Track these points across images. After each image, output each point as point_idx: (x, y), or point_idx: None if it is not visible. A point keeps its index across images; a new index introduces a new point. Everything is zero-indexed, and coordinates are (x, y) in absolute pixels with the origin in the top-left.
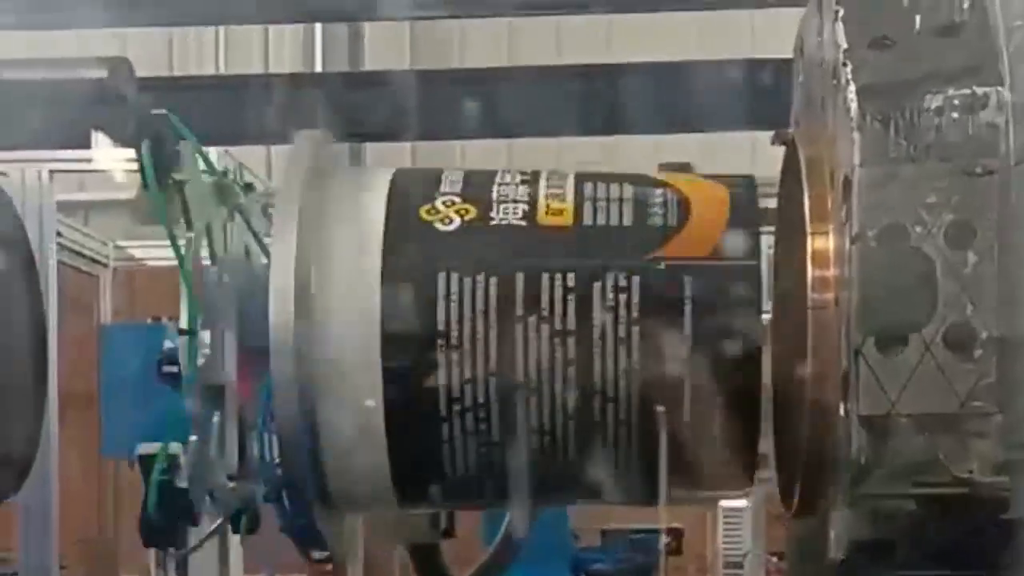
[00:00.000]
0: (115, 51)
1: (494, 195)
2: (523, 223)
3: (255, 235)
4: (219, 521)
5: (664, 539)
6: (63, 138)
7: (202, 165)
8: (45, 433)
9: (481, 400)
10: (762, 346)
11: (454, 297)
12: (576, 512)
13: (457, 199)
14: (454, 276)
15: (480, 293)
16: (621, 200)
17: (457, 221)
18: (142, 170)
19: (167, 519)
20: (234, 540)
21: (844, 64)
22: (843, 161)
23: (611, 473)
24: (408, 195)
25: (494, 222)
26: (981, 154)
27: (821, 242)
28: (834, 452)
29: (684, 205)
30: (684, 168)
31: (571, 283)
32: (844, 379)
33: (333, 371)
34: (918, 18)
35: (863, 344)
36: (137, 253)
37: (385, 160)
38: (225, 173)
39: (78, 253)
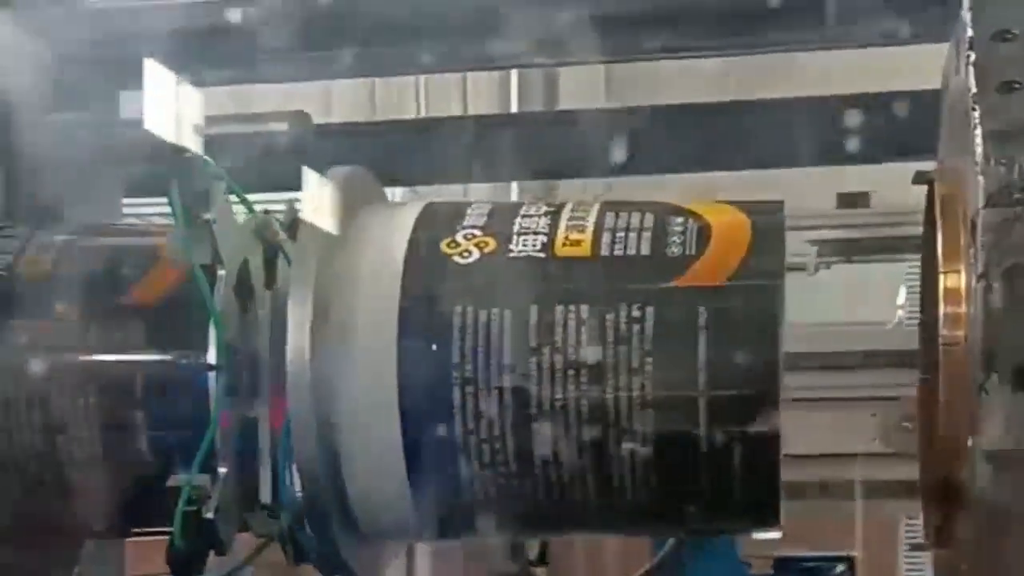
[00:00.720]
0: (320, 99)
1: (515, 227)
2: (540, 255)
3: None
4: (256, 548)
5: (838, 568)
6: (257, 184)
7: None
8: None
9: (496, 432)
10: (780, 373)
11: (469, 330)
12: (747, 541)
13: (478, 232)
14: (469, 309)
15: (495, 325)
16: (641, 230)
17: (476, 254)
18: (172, 210)
19: (192, 549)
20: (423, 556)
21: (973, 108)
22: (971, 202)
23: (627, 505)
24: (431, 229)
25: (512, 254)
26: None
27: (953, 280)
28: (963, 486)
29: (705, 233)
30: (862, 197)
31: (584, 314)
32: (971, 415)
33: (350, 403)
34: None
35: (987, 380)
36: None
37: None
38: (266, 211)
39: None
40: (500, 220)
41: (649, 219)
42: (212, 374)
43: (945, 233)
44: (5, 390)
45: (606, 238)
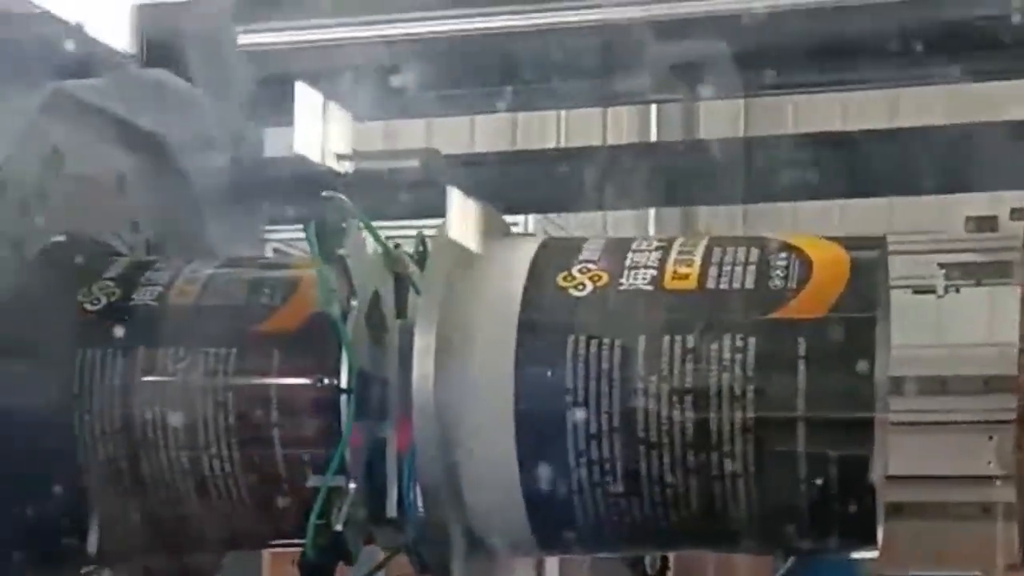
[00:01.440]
0: (465, 131)
1: (627, 261)
2: (649, 288)
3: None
4: (383, 559)
5: None
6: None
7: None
8: None
9: (606, 454)
10: (876, 400)
11: (581, 358)
12: (871, 560)
13: (593, 266)
14: (582, 338)
15: (605, 354)
16: (746, 264)
17: (589, 287)
18: (309, 246)
19: (322, 559)
20: (552, 564)
21: None
22: None
23: (730, 524)
24: (549, 263)
25: (622, 287)
26: None
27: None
28: None
29: (806, 267)
30: (990, 221)
31: (690, 344)
32: None
33: (470, 426)
34: None
35: None
36: None
37: (713, 225)
38: (397, 246)
39: None
40: (613, 254)
41: (754, 254)
42: (344, 397)
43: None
44: (152, 412)
45: (712, 272)
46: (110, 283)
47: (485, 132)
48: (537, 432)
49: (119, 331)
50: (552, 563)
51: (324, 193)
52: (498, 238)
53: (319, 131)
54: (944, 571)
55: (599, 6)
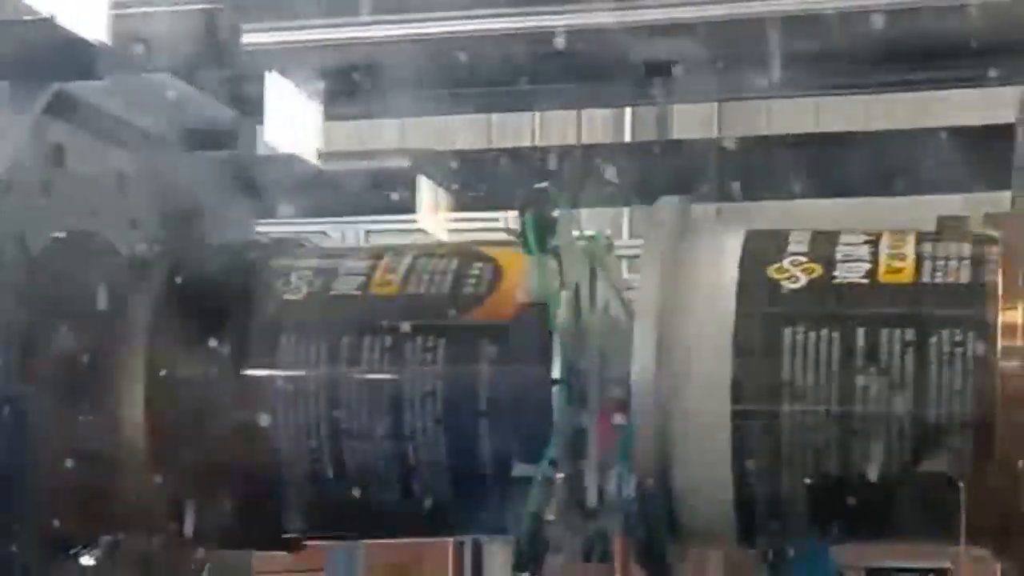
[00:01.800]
0: (443, 132)
1: (838, 255)
2: (864, 281)
3: (617, 291)
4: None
5: None
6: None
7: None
8: None
9: (821, 446)
10: None
11: (799, 350)
12: (840, 550)
13: (804, 259)
14: (799, 330)
15: (823, 346)
16: (960, 259)
17: (803, 280)
18: (524, 238)
19: (534, 548)
20: None
21: None
22: None
23: (939, 518)
24: (758, 256)
25: (837, 280)
26: None
27: (1010, 316)
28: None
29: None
30: (962, 222)
31: (909, 337)
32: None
33: (687, 418)
34: None
35: None
36: None
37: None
38: (594, 237)
39: None
40: (822, 247)
41: (964, 248)
42: (556, 387)
43: (1005, 272)
44: (359, 401)
45: (927, 266)
46: (308, 272)
47: (462, 130)
48: (752, 424)
49: (323, 320)
50: None
51: (538, 185)
52: (699, 231)
53: (289, 122)
54: (914, 563)
55: (585, 11)
